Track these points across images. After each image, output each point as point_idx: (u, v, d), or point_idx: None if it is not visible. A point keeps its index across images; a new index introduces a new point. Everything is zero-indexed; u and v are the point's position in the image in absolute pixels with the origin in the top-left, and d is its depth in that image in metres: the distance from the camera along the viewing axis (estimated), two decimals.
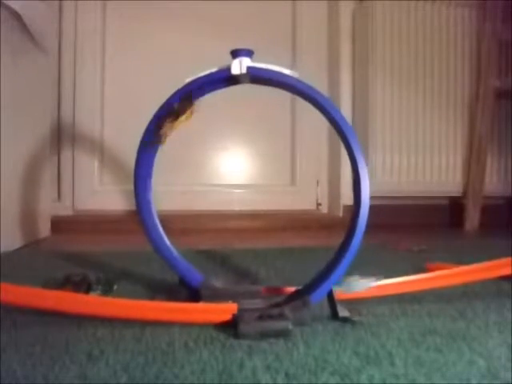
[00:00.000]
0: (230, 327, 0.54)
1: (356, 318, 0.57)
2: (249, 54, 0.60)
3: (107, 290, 0.70)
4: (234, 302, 0.58)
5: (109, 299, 0.62)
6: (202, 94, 0.64)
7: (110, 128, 1.70)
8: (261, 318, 0.54)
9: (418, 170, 1.71)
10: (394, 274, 0.68)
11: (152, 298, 0.67)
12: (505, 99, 1.77)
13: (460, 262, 0.77)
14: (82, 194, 1.68)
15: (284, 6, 1.82)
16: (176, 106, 0.58)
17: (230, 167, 1.80)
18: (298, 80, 0.60)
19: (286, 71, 0.60)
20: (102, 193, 1.70)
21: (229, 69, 0.59)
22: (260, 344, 0.49)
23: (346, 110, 1.74)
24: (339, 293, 0.60)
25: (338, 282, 0.59)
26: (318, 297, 0.58)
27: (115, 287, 0.72)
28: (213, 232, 1.62)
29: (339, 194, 1.78)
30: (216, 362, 0.45)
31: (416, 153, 1.70)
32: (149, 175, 0.65)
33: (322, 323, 0.57)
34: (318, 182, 1.86)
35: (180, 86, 0.62)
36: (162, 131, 0.57)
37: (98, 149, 1.70)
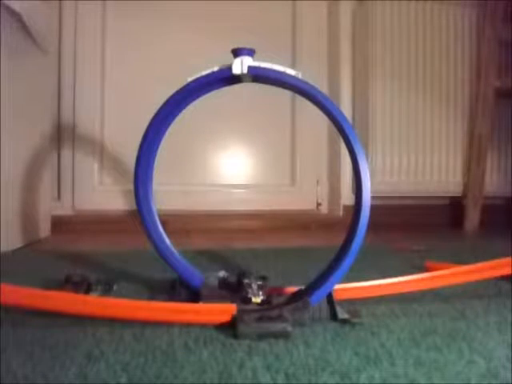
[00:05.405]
0: (230, 328, 0.53)
1: (355, 320, 0.57)
2: (250, 53, 0.60)
3: (107, 290, 0.70)
4: (233, 302, 0.58)
5: (109, 299, 0.62)
6: (204, 93, 0.65)
7: (110, 128, 1.70)
8: (260, 319, 0.53)
9: (418, 169, 1.71)
10: (394, 273, 0.68)
11: (152, 298, 0.67)
12: (505, 99, 1.77)
13: (460, 261, 0.77)
14: (81, 193, 1.68)
15: (284, 6, 1.82)
16: None
17: (230, 167, 1.80)
18: (300, 79, 0.60)
19: (290, 71, 0.60)
20: (101, 193, 1.70)
21: (230, 68, 0.59)
22: (260, 344, 0.49)
23: (346, 110, 1.74)
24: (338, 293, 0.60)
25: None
26: (318, 298, 0.58)
27: (115, 287, 0.72)
28: (213, 232, 1.62)
29: (339, 194, 1.78)
30: (216, 362, 0.45)
31: (416, 153, 1.70)
32: (149, 175, 0.66)
33: (321, 324, 0.57)
34: (318, 182, 1.86)
35: (181, 85, 0.62)
36: None
37: (98, 149, 1.70)
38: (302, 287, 0.62)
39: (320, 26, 1.85)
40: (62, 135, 1.66)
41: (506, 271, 0.68)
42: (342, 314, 0.58)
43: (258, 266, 0.92)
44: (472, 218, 1.70)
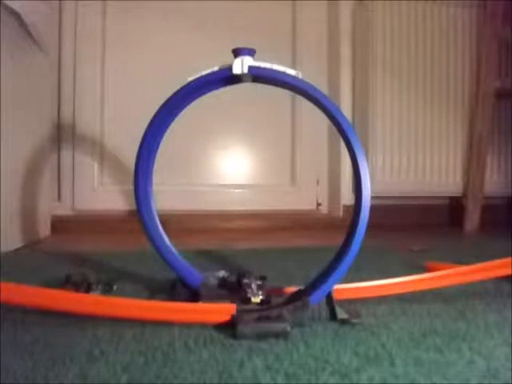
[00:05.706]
0: (229, 328, 0.53)
1: (355, 320, 0.57)
2: (250, 52, 0.60)
3: (107, 290, 0.70)
4: (232, 302, 0.58)
5: (109, 299, 0.62)
6: (204, 93, 0.65)
7: (110, 128, 1.70)
8: (259, 319, 0.53)
9: (418, 169, 1.71)
10: (394, 273, 0.68)
11: (152, 297, 0.67)
12: (505, 99, 1.77)
13: (460, 261, 0.77)
14: (81, 193, 1.68)
15: (284, 6, 1.82)
16: None
17: (230, 167, 1.80)
18: (299, 79, 0.60)
19: (290, 71, 0.60)
20: (102, 193, 1.70)
21: (230, 68, 0.59)
22: (260, 344, 0.49)
23: (346, 110, 1.74)
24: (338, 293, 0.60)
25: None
26: (318, 298, 0.58)
27: (115, 287, 0.72)
28: (213, 232, 1.62)
29: (339, 194, 1.78)
30: (216, 362, 0.45)
31: (416, 153, 1.70)
32: (149, 175, 0.65)
33: (321, 324, 0.56)
34: (318, 182, 1.86)
35: (181, 85, 0.62)
36: None
37: (98, 149, 1.70)
38: (302, 287, 0.62)
39: (320, 26, 1.85)
40: (62, 135, 1.66)
41: (506, 271, 0.67)
42: (341, 314, 0.57)
43: (258, 266, 0.92)
44: (472, 218, 1.70)
